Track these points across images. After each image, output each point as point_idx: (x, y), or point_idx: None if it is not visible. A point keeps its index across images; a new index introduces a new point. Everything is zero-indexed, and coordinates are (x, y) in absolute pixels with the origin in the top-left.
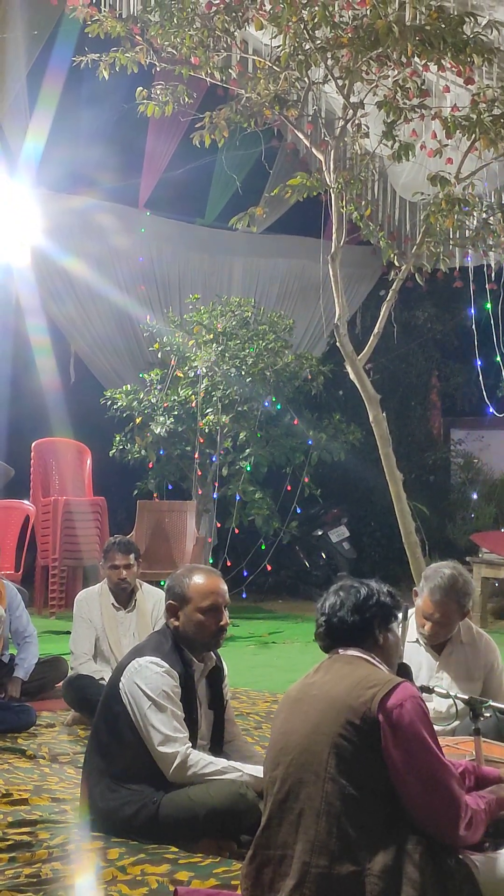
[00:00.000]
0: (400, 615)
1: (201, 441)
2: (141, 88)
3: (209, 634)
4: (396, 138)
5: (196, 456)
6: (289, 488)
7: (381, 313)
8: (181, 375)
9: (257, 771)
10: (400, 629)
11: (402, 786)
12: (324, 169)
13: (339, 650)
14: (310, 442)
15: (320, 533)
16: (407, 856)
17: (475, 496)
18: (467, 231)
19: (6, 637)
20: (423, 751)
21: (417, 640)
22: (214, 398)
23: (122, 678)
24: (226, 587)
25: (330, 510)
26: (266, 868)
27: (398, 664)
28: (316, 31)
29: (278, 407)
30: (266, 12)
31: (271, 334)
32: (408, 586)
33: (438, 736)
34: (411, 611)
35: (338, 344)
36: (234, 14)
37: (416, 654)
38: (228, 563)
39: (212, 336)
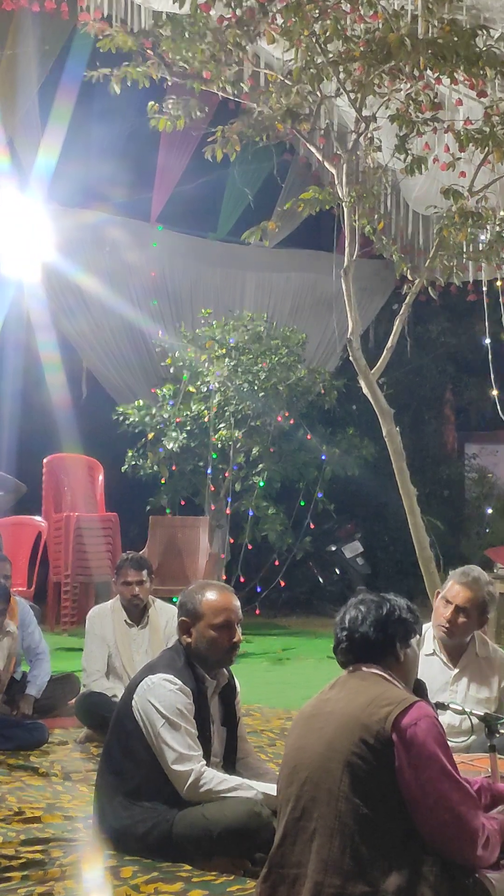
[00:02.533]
0: (421, 630)
1: (214, 456)
2: (153, 103)
3: (222, 651)
4: (409, 151)
5: (209, 471)
6: (302, 503)
7: (395, 327)
8: (193, 390)
9: (271, 788)
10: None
11: (416, 806)
12: (336, 182)
13: (358, 666)
14: (323, 457)
15: (334, 548)
16: (422, 877)
17: (489, 511)
18: (481, 244)
19: (18, 654)
20: (437, 771)
21: (434, 652)
22: (227, 413)
23: (134, 695)
24: (238, 603)
25: (344, 525)
26: (280, 886)
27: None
28: (328, 45)
29: (291, 422)
30: (278, 26)
31: (284, 349)
32: (422, 601)
33: (453, 752)
34: (427, 626)
35: (351, 358)
36: (245, 28)
37: (429, 669)
38: (242, 579)
39: (224, 351)
